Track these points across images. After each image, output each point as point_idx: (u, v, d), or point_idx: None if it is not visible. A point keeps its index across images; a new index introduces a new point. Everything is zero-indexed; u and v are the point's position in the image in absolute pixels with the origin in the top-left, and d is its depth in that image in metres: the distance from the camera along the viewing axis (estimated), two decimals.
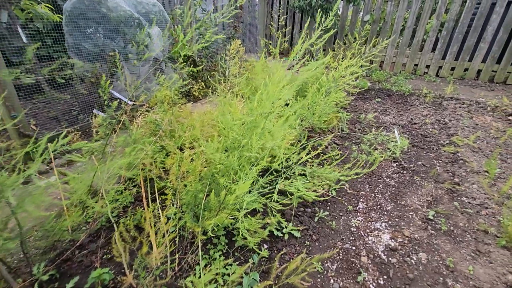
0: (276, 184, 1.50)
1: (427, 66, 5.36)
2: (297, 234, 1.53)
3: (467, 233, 1.65)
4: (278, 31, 6.26)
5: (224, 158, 1.36)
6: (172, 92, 2.51)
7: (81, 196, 1.43)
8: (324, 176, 1.92)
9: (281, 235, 1.52)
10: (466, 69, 5.08)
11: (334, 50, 6.11)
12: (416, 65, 5.43)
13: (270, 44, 6.41)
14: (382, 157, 2.39)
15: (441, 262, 1.45)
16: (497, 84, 4.88)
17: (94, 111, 2.58)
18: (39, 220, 1.58)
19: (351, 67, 2.58)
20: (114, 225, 1.28)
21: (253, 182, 1.80)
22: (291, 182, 1.54)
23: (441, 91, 4.34)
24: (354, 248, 1.52)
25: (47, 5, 2.65)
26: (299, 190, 1.55)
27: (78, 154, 1.45)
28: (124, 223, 1.52)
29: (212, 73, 3.44)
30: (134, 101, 2.69)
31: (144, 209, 1.58)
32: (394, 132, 2.97)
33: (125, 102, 2.64)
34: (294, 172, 1.93)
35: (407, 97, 4.19)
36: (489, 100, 3.96)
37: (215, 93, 3.36)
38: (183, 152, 1.60)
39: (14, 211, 1.04)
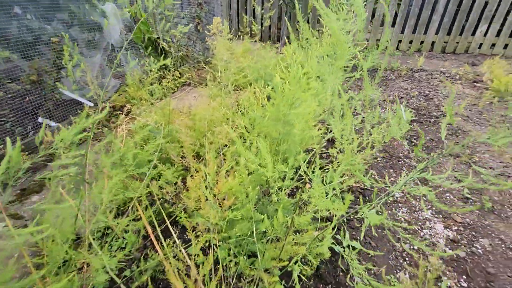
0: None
1: (388, 41, 5.50)
2: (358, 245, 1.28)
3: (506, 207, 1.61)
4: (239, 10, 5.79)
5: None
6: (144, 87, 1.99)
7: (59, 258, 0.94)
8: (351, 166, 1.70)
9: (342, 249, 1.25)
10: (422, 42, 5.33)
11: (298, 30, 5.91)
12: (378, 40, 5.53)
13: (231, 22, 5.92)
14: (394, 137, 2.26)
15: (503, 246, 1.35)
16: (448, 54, 5.24)
17: (40, 119, 1.91)
18: None
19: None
20: None
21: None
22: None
23: (407, 64, 4.47)
24: (416, 247, 1.34)
25: None
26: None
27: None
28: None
29: (185, 60, 2.91)
30: (95, 102, 2.08)
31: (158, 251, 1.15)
32: (395, 107, 2.89)
33: (85, 104, 2.02)
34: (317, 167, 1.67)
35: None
36: (453, 69, 4.19)
37: (194, 83, 2.88)
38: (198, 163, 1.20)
39: None
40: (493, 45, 4.85)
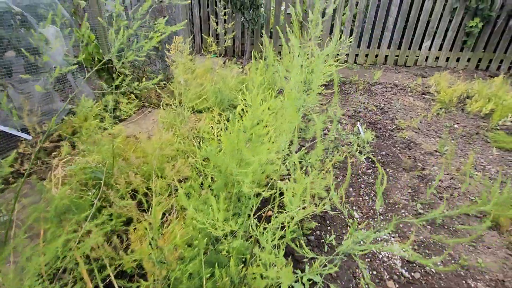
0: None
1: (346, 55, 5.80)
2: (318, 279, 1.26)
3: (454, 220, 1.70)
4: (200, 27, 5.75)
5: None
6: (93, 116, 1.86)
7: None
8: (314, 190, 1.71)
9: (302, 286, 1.22)
10: (376, 55, 5.70)
11: (262, 44, 6.02)
12: (337, 54, 5.80)
13: (193, 41, 5.85)
14: (353, 154, 2.33)
15: (453, 262, 1.42)
16: (400, 67, 5.65)
17: None
18: None
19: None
20: None
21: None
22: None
23: (364, 78, 4.74)
24: (375, 272, 1.35)
25: None
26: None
27: None
28: None
29: (143, 81, 2.78)
30: (34, 134, 1.88)
31: None
32: (356, 126, 3.00)
33: (21, 137, 1.81)
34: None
35: (341, 85, 4.39)
36: (405, 82, 4.51)
37: (153, 105, 2.78)
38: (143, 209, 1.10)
39: None
40: (437, 58, 5.33)
